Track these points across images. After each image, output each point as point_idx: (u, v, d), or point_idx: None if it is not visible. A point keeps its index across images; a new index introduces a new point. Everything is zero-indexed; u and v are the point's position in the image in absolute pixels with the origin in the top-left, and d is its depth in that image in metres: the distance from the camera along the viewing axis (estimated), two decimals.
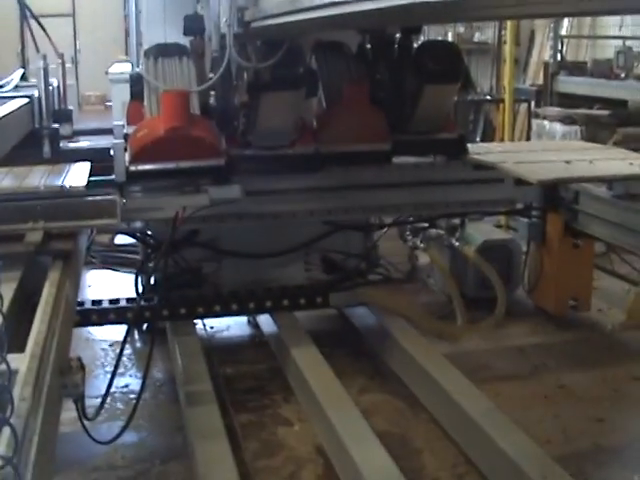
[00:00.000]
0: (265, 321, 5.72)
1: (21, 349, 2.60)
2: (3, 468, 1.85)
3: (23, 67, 5.17)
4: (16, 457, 1.91)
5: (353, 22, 3.59)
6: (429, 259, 6.22)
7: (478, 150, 5.65)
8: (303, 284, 5.73)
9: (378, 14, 2.45)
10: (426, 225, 6.14)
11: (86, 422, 3.57)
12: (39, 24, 4.67)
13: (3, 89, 4.45)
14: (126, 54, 14.19)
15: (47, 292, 3.16)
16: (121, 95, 5.31)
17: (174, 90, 4.57)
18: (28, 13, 4.73)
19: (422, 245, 6.15)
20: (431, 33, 10.52)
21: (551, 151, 5.86)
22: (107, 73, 6.25)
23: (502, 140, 8.79)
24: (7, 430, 1.99)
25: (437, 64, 4.87)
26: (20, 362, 2.45)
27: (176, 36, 5.06)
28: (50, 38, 4.53)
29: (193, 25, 4.90)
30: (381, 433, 4.17)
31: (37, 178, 4.06)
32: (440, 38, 10.74)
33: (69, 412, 3.48)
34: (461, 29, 12.09)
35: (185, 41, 4.99)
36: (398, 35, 5.23)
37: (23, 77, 4.87)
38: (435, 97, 4.99)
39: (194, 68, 4.77)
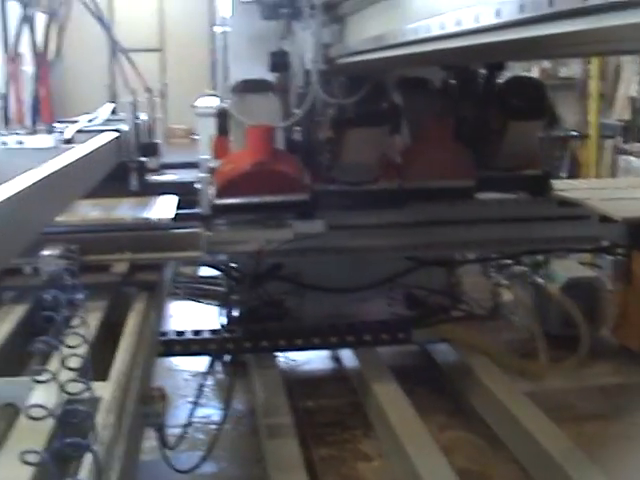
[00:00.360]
0: (347, 355, 5.71)
1: (104, 377, 2.65)
2: None
3: (112, 101, 5.28)
4: None
5: (437, 59, 3.60)
6: (512, 296, 6.15)
7: (563, 186, 5.58)
8: (385, 319, 5.72)
9: (461, 51, 2.46)
10: (510, 262, 6.08)
11: (166, 451, 3.61)
12: (128, 59, 4.77)
13: (92, 123, 4.56)
14: (212, 88, 14.42)
15: (132, 322, 3.22)
16: (207, 129, 5.40)
17: (260, 125, 4.62)
18: (118, 48, 4.83)
19: (505, 282, 6.08)
20: (516, 69, 10.45)
21: (637, 188, 5.77)
22: (193, 107, 6.36)
23: (588, 176, 8.66)
24: (89, 456, 2.03)
25: (522, 100, 4.84)
26: (104, 390, 2.50)
27: (262, 72, 5.13)
28: (139, 73, 4.63)
29: (279, 61, 4.95)
30: (460, 470, 4.13)
31: (124, 210, 4.15)
32: (525, 74, 10.66)
33: (150, 441, 3.54)
34: (546, 64, 11.94)
35: (271, 77, 5.05)
36: (482, 71, 5.22)
37: (113, 111, 4.97)
38: (520, 133, 4.96)
39: (279, 104, 4.82)
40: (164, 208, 4.21)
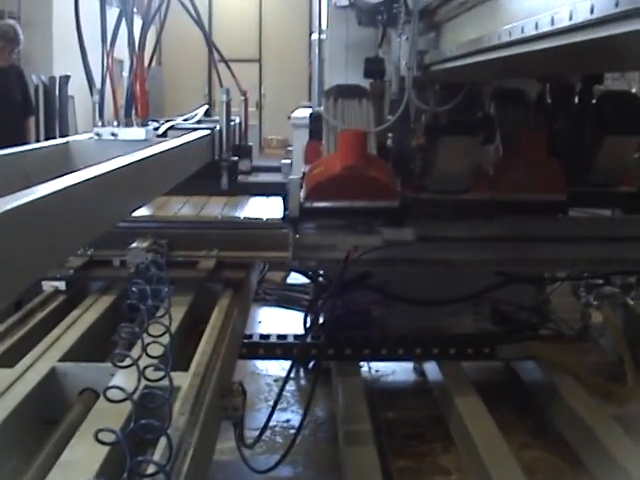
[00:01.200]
0: (430, 368, 5.67)
1: (186, 369, 2.67)
2: (156, 475, 1.90)
3: (208, 103, 5.35)
4: (169, 466, 1.96)
5: (531, 66, 3.55)
6: (602, 317, 6.03)
7: None
8: (471, 334, 5.67)
9: (556, 54, 2.42)
10: (600, 282, 5.96)
11: (244, 452, 3.63)
12: (226, 64, 4.83)
13: (187, 122, 4.62)
14: (309, 100, 14.49)
15: (215, 317, 3.25)
16: (302, 140, 5.43)
17: (352, 130, 4.62)
18: (217, 56, 4.89)
19: (595, 302, 5.97)
20: (614, 86, 10.28)
21: None
22: (289, 118, 6.40)
23: None
24: (164, 440, 2.04)
25: (619, 115, 4.74)
26: (183, 380, 2.53)
27: (356, 78, 5.14)
28: (235, 76, 4.67)
29: (373, 68, 4.96)
30: None
31: (215, 208, 4.21)
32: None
33: (228, 442, 3.56)
34: None
35: (365, 83, 5.06)
36: (579, 84, 5.14)
37: (207, 113, 5.03)
38: (615, 149, 4.85)
39: (373, 109, 4.81)
40: (254, 208, 4.29)
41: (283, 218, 4.33)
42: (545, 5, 2.23)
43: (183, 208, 4.22)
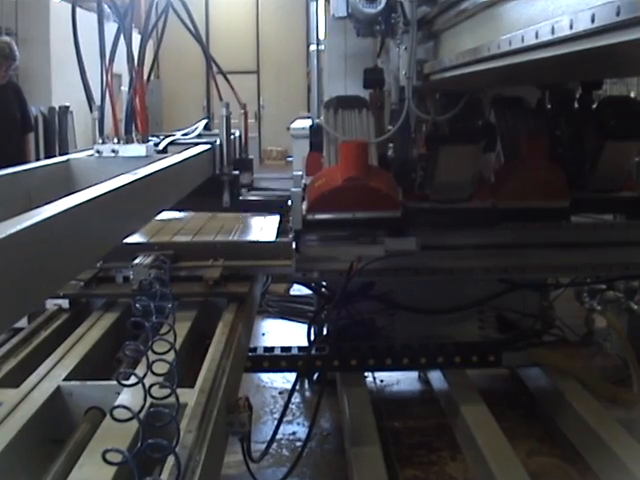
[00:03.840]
0: (436, 377, 5.65)
1: (192, 385, 2.66)
2: None
3: (207, 117, 5.35)
4: None
5: (531, 74, 3.54)
6: (606, 322, 6.02)
7: None
8: (476, 341, 5.65)
9: (556, 63, 2.42)
10: (604, 287, 5.95)
11: (251, 465, 3.62)
12: (225, 77, 4.83)
13: (187, 136, 4.62)
14: (308, 110, 14.49)
15: (220, 332, 3.25)
16: (302, 150, 5.42)
17: (353, 141, 4.62)
18: (215, 68, 4.89)
19: (599, 307, 5.95)
20: (613, 92, 10.30)
21: None
22: (289, 129, 6.40)
23: None
24: (172, 459, 2.03)
25: (619, 120, 4.73)
26: (189, 397, 2.52)
27: (356, 89, 5.15)
28: (234, 89, 4.67)
29: (373, 78, 4.96)
30: None
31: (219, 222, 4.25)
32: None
33: (235, 455, 3.55)
34: None
35: (365, 93, 5.06)
36: (578, 91, 5.14)
37: (206, 127, 5.03)
38: (616, 154, 4.85)
39: (373, 120, 4.82)
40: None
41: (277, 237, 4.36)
42: (545, 14, 2.23)
43: (189, 223, 4.27)
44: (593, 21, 1.83)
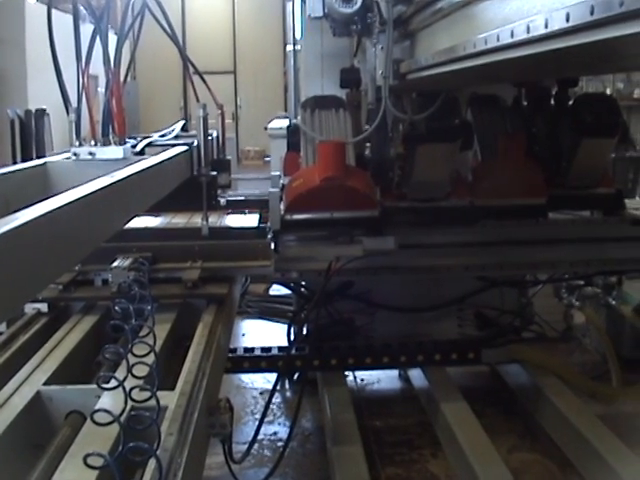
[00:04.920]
0: (416, 375, 5.66)
1: (172, 388, 2.66)
2: None
3: (185, 118, 5.33)
4: None
5: (508, 72, 3.56)
6: (585, 318, 6.05)
7: (636, 205, 5.48)
8: (456, 339, 5.67)
9: (532, 61, 2.42)
10: (582, 283, 5.98)
11: (233, 466, 3.62)
12: (201, 77, 4.81)
13: (164, 138, 4.61)
14: (285, 110, 14.47)
15: (199, 334, 3.24)
16: (280, 150, 5.42)
17: (330, 141, 4.63)
18: (191, 69, 4.88)
19: (577, 303, 5.98)
20: (589, 89, 10.34)
21: None
22: (266, 129, 6.40)
23: None
24: (153, 462, 2.03)
25: (595, 117, 4.76)
26: (169, 399, 2.51)
27: (333, 88, 5.16)
28: (210, 90, 4.66)
29: (349, 78, 4.98)
30: None
31: (198, 221, 4.25)
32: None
33: (217, 456, 3.55)
34: (620, 85, 11.82)
35: (342, 93, 5.07)
36: (554, 88, 5.17)
37: (184, 128, 5.02)
38: (592, 151, 4.88)
39: (350, 120, 4.82)
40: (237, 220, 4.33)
41: (257, 228, 4.35)
42: (521, 13, 2.24)
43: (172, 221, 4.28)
44: (568, 20, 1.84)
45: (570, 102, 5.07)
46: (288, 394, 5.81)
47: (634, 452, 4.26)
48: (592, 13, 1.71)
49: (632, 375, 5.50)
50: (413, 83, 4.07)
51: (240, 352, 5.43)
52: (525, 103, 5.30)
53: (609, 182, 5.24)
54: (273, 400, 4.98)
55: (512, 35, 2.24)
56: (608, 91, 11.42)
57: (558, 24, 1.90)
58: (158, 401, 2.28)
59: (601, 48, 1.97)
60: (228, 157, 5.28)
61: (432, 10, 3.41)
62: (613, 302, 5.87)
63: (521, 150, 4.99)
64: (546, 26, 1.98)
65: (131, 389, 2.27)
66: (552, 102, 5.19)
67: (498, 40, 2.38)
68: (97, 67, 3.63)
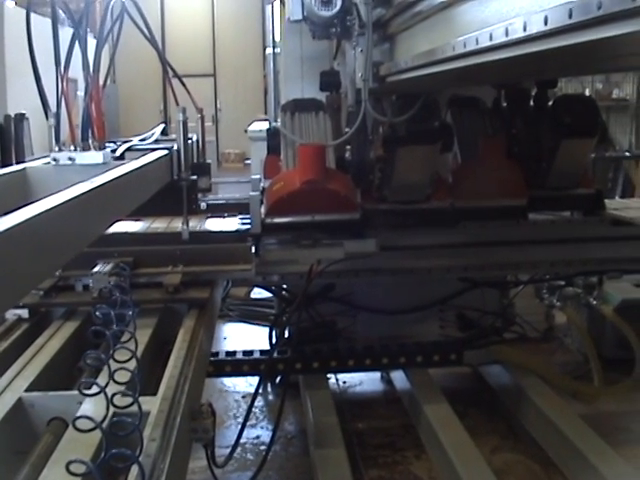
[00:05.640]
0: (398, 377, 5.67)
1: (154, 393, 2.65)
2: None
3: (164, 122, 5.32)
4: None
5: (487, 75, 3.57)
6: (566, 318, 6.08)
7: (616, 206, 5.52)
8: (437, 341, 5.68)
9: (511, 64, 2.43)
10: (563, 283, 6.00)
11: (216, 470, 3.61)
12: (180, 81, 4.80)
13: (144, 142, 4.60)
14: (265, 113, 14.45)
15: (181, 338, 3.24)
16: (260, 153, 5.41)
17: (310, 144, 4.63)
18: (171, 72, 4.87)
19: (559, 304, 6.01)
20: (568, 89, 10.39)
21: None
22: (246, 131, 6.39)
23: None
24: (136, 468, 2.02)
25: (574, 118, 4.78)
26: (152, 404, 2.51)
27: (313, 91, 5.16)
28: (190, 94, 4.65)
29: (329, 80, 4.97)
30: None
31: (178, 226, 4.24)
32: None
33: (199, 461, 3.54)
34: (599, 85, 11.87)
35: (321, 96, 5.07)
36: (534, 89, 5.19)
37: (164, 132, 5.01)
38: (572, 152, 4.90)
39: (330, 122, 4.83)
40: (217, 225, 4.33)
41: (245, 234, 4.34)
42: (499, 16, 2.24)
43: (152, 225, 4.28)
44: (546, 23, 1.85)
45: (549, 103, 5.09)
46: (270, 397, 5.81)
47: (616, 451, 4.28)
48: (570, 16, 1.71)
49: (613, 374, 5.52)
50: (393, 86, 4.07)
51: (222, 356, 5.42)
52: (505, 104, 5.32)
53: (589, 182, 5.27)
54: (255, 403, 4.97)
55: (491, 38, 2.25)
56: (587, 92, 11.46)
57: (536, 27, 1.90)
58: (140, 407, 2.27)
59: (580, 51, 1.98)
60: (208, 161, 5.26)
61: (411, 13, 3.41)
62: (594, 302, 5.89)
63: (501, 151, 5.01)
64: (525, 29, 1.98)
65: (113, 395, 2.26)
66: (532, 103, 5.21)
67: (477, 43, 2.39)
68: (76, 70, 3.61)
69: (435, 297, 5.63)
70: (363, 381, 5.98)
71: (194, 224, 4.38)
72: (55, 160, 3.36)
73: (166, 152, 3.99)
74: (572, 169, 5.04)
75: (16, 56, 12.92)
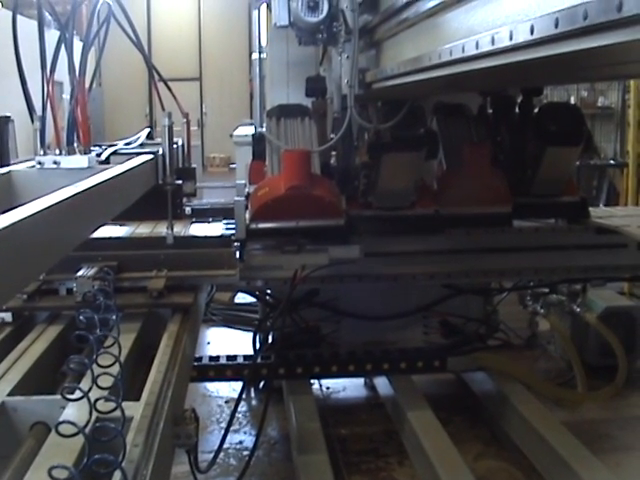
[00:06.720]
0: (381, 383, 5.67)
1: (137, 398, 2.64)
2: None
3: (150, 126, 5.31)
4: None
5: (473, 82, 3.58)
6: (550, 325, 6.10)
7: (600, 214, 5.54)
8: (421, 347, 5.68)
9: (497, 72, 2.44)
10: (547, 290, 6.02)
11: (199, 476, 3.59)
12: (166, 85, 4.80)
13: (129, 146, 4.59)
14: (250, 117, 14.43)
15: (165, 343, 3.22)
16: (245, 157, 5.41)
17: (296, 149, 4.63)
18: (157, 76, 4.86)
19: (542, 311, 6.03)
20: (554, 98, 10.42)
21: None
22: (232, 136, 6.38)
23: (626, 205, 8.62)
24: (118, 474, 2.01)
25: (559, 126, 4.81)
26: (135, 410, 2.49)
27: (298, 97, 5.16)
28: (176, 98, 4.65)
29: (315, 86, 4.99)
30: None
31: (163, 230, 4.23)
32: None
33: (182, 466, 3.53)
34: (584, 93, 11.92)
35: (307, 102, 5.07)
36: (519, 97, 5.21)
37: (149, 136, 5.00)
38: (557, 159, 4.92)
39: (315, 128, 4.83)
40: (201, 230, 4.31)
41: (222, 236, 4.34)
42: (485, 24, 2.25)
43: (136, 230, 4.27)
44: (532, 32, 1.85)
45: (535, 111, 5.11)
46: (254, 403, 5.80)
47: (599, 458, 4.30)
48: (557, 26, 1.72)
49: (596, 381, 5.55)
50: (378, 92, 4.09)
51: (205, 361, 5.41)
52: (490, 112, 5.33)
53: (573, 190, 5.29)
54: (239, 409, 4.96)
55: (477, 46, 2.26)
56: (572, 100, 11.51)
57: (523, 36, 1.91)
58: (123, 412, 2.26)
59: (565, 60, 1.99)
60: (193, 165, 5.26)
61: (398, 20, 3.42)
62: (578, 309, 5.92)
63: (486, 159, 5.02)
64: (511, 38, 1.99)
65: (96, 400, 2.25)
66: (517, 111, 5.23)
67: (463, 51, 2.40)
68: (62, 73, 3.60)
69: (419, 303, 5.63)
70: (347, 387, 5.98)
71: (179, 229, 4.37)
72: (40, 163, 3.35)
73: (151, 156, 3.98)
74: (557, 177, 5.06)
75: (1, 58, 12.86)
